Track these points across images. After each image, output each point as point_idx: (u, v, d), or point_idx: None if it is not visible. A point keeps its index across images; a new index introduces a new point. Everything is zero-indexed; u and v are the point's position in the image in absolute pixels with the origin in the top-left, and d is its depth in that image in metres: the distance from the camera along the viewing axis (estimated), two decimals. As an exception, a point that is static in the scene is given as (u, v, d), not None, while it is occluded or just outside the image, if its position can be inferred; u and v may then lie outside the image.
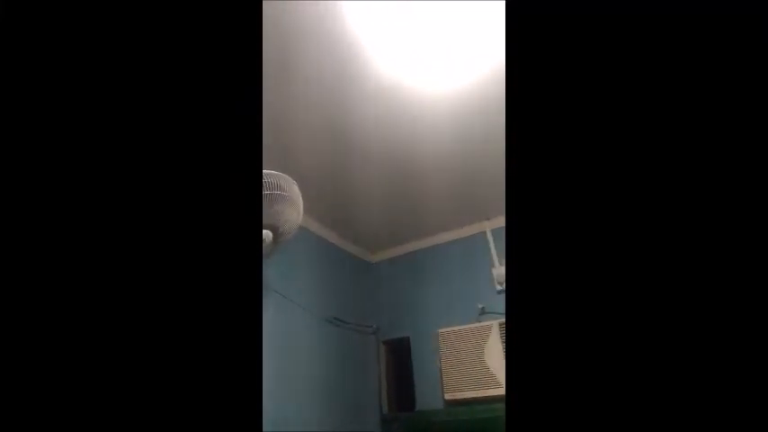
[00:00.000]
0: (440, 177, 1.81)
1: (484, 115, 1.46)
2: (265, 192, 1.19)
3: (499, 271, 2.02)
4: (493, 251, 2.10)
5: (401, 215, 2.11)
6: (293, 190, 1.27)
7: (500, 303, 1.96)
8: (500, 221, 2.15)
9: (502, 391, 1.73)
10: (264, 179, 1.20)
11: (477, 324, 1.93)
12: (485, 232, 2.18)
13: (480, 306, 2.00)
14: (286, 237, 1.33)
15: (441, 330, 1.99)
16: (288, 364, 1.64)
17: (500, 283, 2.01)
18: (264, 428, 1.44)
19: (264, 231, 1.23)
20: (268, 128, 1.43)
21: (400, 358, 2.20)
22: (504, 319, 1.87)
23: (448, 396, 1.85)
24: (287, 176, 1.25)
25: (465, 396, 1.81)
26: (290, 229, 1.32)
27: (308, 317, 1.84)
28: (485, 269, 2.09)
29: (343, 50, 1.18)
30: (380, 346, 2.23)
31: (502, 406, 1.71)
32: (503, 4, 1.07)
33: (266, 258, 1.37)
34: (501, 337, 1.85)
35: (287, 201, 1.24)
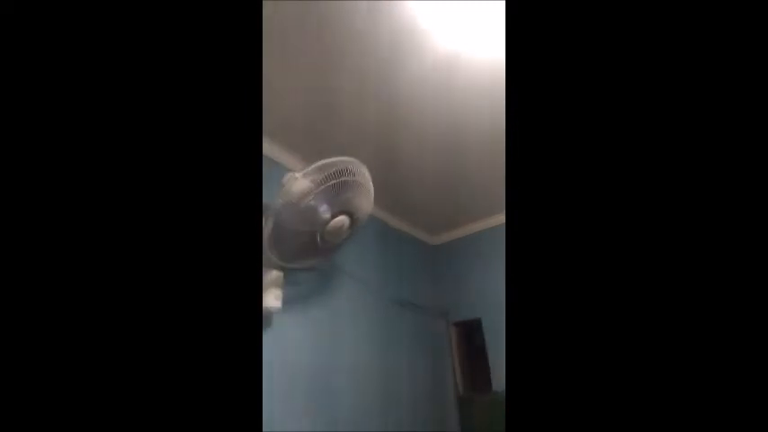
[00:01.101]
0: (498, 153, 1.72)
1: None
2: (339, 179, 1.18)
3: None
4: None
5: (459, 196, 2.05)
6: (364, 175, 1.25)
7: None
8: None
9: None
10: (336, 166, 1.19)
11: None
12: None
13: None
14: (361, 223, 1.32)
15: (515, 311, 1.92)
16: (360, 345, 1.67)
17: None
18: (341, 414, 1.48)
19: (342, 218, 1.24)
20: (321, 111, 1.43)
21: (472, 340, 2.16)
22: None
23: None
24: (356, 161, 1.23)
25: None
26: (364, 214, 1.31)
27: (380, 300, 1.85)
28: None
29: (399, 23, 1.13)
30: (451, 327, 2.20)
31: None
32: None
33: (342, 246, 1.38)
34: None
35: (360, 187, 1.23)
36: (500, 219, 2.21)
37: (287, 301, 1.34)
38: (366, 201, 1.30)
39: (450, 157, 1.74)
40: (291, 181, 1.19)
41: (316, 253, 1.33)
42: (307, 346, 1.44)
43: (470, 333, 2.18)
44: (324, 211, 1.21)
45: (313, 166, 1.18)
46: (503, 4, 1.11)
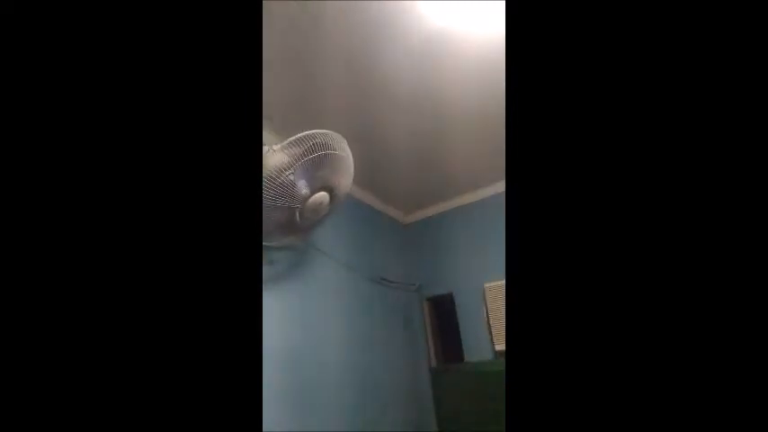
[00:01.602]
0: (481, 128, 1.72)
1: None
2: (319, 152, 1.13)
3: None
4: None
5: (434, 175, 2.05)
6: (345, 149, 1.21)
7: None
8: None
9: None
10: (315, 139, 1.13)
11: (523, 276, 1.92)
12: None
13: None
14: (341, 199, 1.29)
15: (486, 285, 1.99)
16: (337, 322, 1.67)
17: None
18: (318, 392, 1.48)
19: (322, 194, 1.19)
20: (300, 84, 1.35)
21: (444, 314, 2.23)
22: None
23: (498, 347, 1.88)
24: (337, 134, 1.18)
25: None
26: (344, 191, 1.28)
27: (354, 277, 1.85)
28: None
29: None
30: (424, 302, 2.25)
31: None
32: None
33: (321, 222, 1.34)
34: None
35: (341, 161, 1.19)
36: (470, 197, 2.25)
37: (263, 281, 1.30)
38: (346, 177, 1.26)
39: (426, 136, 1.72)
40: (269, 155, 1.12)
41: (294, 230, 1.28)
42: (284, 324, 1.42)
43: (442, 307, 2.25)
44: (302, 186, 1.16)
45: (291, 138, 1.12)
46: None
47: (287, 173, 1.11)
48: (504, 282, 1.94)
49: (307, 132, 1.11)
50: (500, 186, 2.17)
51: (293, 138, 1.12)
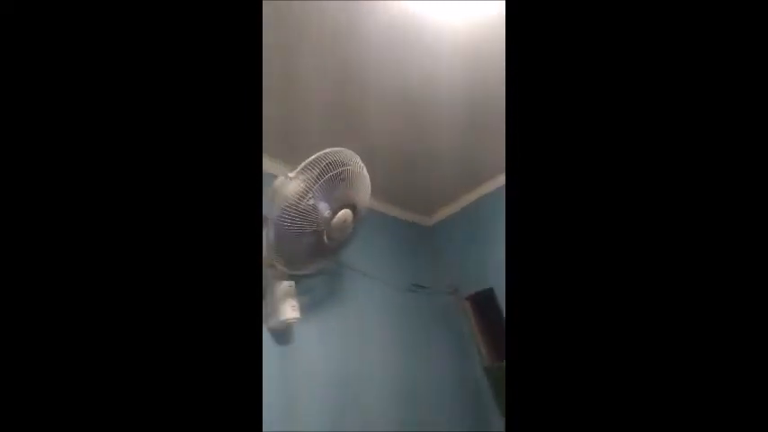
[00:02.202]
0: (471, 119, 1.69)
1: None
2: (333, 171, 1.13)
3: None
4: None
5: (443, 171, 2.02)
6: (358, 163, 1.20)
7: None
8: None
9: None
10: (328, 159, 1.13)
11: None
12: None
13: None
14: (363, 214, 1.28)
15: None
16: (380, 337, 1.64)
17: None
18: (372, 414, 1.45)
19: (344, 212, 1.18)
20: (290, 108, 1.35)
21: (488, 310, 2.16)
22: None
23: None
24: (347, 150, 1.18)
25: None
26: (364, 204, 1.27)
27: (390, 289, 1.82)
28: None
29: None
30: (464, 302, 2.19)
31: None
32: None
33: (349, 241, 1.33)
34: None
35: (356, 176, 1.18)
36: (487, 187, 2.20)
37: (304, 310, 1.28)
38: (364, 191, 1.25)
39: (423, 132, 1.69)
40: (284, 183, 1.13)
41: (323, 253, 1.27)
42: (329, 348, 1.40)
43: (484, 303, 2.18)
44: (324, 208, 1.16)
45: (304, 163, 1.12)
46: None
47: (307, 198, 1.10)
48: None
49: (318, 154, 1.11)
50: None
51: (306, 162, 1.12)
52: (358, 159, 1.21)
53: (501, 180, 2.18)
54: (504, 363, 1.96)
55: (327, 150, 1.14)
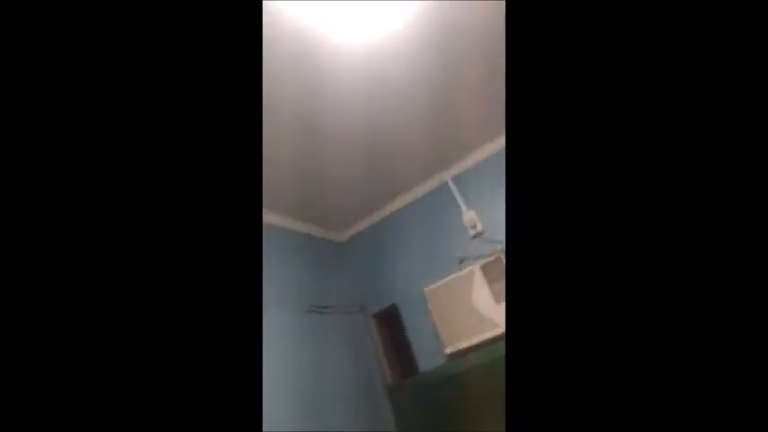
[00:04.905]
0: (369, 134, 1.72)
1: (400, 69, 1.37)
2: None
3: (469, 215, 1.99)
4: (458, 198, 2.07)
5: (355, 188, 2.01)
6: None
7: (476, 247, 1.94)
8: (458, 168, 2.11)
9: (498, 330, 1.73)
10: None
11: (460, 273, 1.91)
12: (446, 182, 2.13)
13: (458, 255, 1.98)
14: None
15: (426, 289, 1.95)
16: (281, 362, 1.53)
17: (472, 228, 1.98)
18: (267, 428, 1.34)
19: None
20: None
21: (393, 327, 2.15)
22: (484, 261, 1.86)
23: (448, 350, 1.83)
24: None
25: (464, 345, 1.80)
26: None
27: (288, 312, 1.72)
28: (453, 218, 2.05)
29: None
30: (370, 320, 2.16)
31: (501, 345, 1.72)
32: None
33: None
34: (485, 278, 1.83)
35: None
36: (399, 202, 2.23)
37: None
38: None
39: (323, 146, 1.67)
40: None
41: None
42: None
43: (389, 321, 2.17)
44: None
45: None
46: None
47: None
48: (444, 282, 1.92)
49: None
50: (428, 185, 2.17)
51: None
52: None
53: (408, 197, 2.22)
54: (406, 381, 1.95)
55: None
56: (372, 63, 1.33)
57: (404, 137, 1.75)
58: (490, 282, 1.82)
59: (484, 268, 1.85)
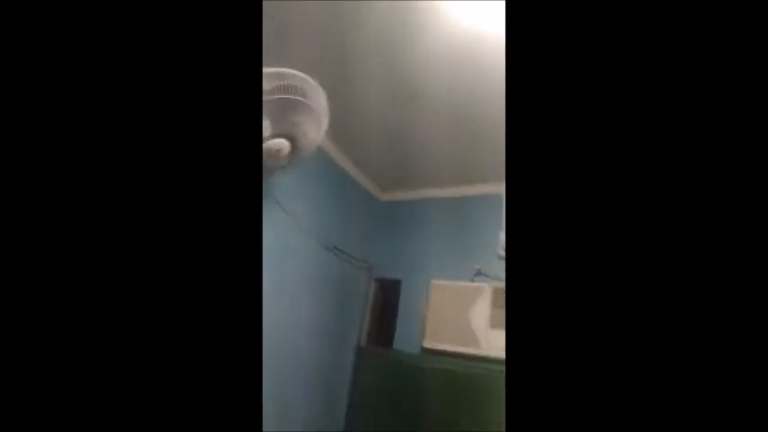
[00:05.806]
0: (468, 128, 1.67)
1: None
2: (286, 95, 1.05)
3: (504, 236, 1.96)
4: (503, 215, 2.02)
5: (419, 158, 2.00)
6: (318, 101, 1.13)
7: (499, 269, 1.92)
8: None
9: (478, 351, 1.76)
10: (285, 80, 1.05)
11: (472, 284, 1.91)
12: (500, 195, 2.08)
13: (477, 267, 1.97)
14: (303, 153, 1.22)
15: (434, 282, 1.98)
16: (279, 280, 1.63)
17: (502, 248, 1.95)
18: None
19: (280, 141, 1.12)
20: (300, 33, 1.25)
21: (388, 298, 2.22)
22: (499, 285, 1.85)
23: (426, 344, 1.88)
24: (313, 82, 1.10)
25: (442, 347, 1.84)
26: (310, 145, 1.20)
27: (308, 239, 1.80)
28: (489, 231, 2.02)
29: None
30: (372, 282, 2.23)
31: (475, 364, 1.75)
32: None
33: (279, 172, 1.27)
34: (492, 301, 1.83)
35: (310, 112, 1.11)
36: (452, 191, 2.21)
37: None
38: (315, 129, 1.19)
39: (419, 116, 1.65)
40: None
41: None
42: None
43: (388, 291, 2.23)
44: (266, 127, 1.08)
45: (265, 70, 1.03)
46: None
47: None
48: (453, 283, 1.93)
49: (279, 70, 1.02)
50: (482, 188, 2.13)
51: (265, 71, 1.03)
52: (321, 97, 1.13)
53: (454, 191, 2.19)
54: (374, 348, 2.04)
55: (292, 72, 1.06)
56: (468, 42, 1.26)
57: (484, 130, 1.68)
58: (493, 305, 1.82)
59: (494, 291, 1.84)
